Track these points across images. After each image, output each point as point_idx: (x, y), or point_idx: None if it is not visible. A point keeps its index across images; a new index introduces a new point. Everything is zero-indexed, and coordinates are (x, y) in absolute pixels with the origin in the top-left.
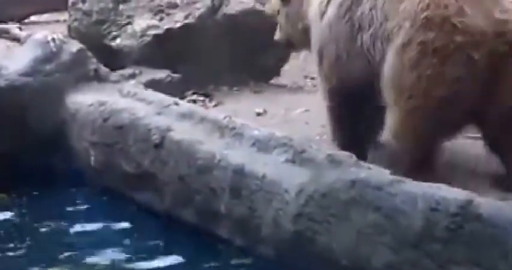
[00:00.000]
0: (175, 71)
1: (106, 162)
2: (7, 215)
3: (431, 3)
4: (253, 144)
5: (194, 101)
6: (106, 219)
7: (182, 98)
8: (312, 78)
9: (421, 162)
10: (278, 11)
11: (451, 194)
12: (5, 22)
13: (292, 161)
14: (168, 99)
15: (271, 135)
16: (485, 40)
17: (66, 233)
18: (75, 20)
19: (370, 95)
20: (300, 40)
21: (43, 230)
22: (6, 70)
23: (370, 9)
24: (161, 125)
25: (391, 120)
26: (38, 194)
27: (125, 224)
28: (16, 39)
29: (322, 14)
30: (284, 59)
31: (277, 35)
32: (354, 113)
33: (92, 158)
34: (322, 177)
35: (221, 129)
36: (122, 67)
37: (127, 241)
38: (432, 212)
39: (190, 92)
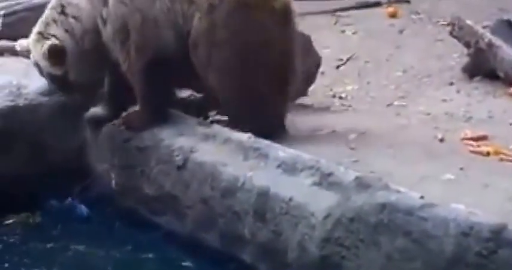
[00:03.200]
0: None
1: (127, 185)
2: (29, 236)
3: None
4: (279, 166)
5: (217, 121)
6: (127, 243)
7: (205, 117)
8: (340, 98)
9: None
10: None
11: (484, 218)
12: None
13: (319, 184)
14: (191, 119)
15: (297, 156)
16: None
17: (87, 255)
18: None
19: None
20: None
21: (64, 252)
22: (25, 89)
23: None
24: (184, 146)
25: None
26: (58, 214)
27: (146, 248)
28: None
29: None
30: (311, 80)
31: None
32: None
33: (113, 181)
34: (350, 200)
35: (245, 150)
36: None
37: (148, 266)
38: (464, 237)
39: (213, 112)
